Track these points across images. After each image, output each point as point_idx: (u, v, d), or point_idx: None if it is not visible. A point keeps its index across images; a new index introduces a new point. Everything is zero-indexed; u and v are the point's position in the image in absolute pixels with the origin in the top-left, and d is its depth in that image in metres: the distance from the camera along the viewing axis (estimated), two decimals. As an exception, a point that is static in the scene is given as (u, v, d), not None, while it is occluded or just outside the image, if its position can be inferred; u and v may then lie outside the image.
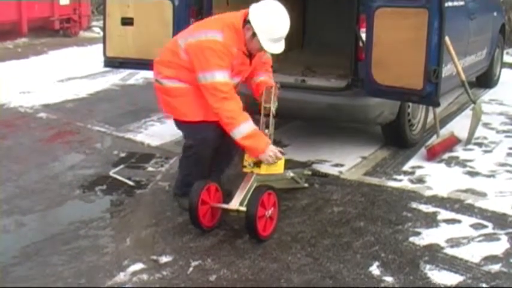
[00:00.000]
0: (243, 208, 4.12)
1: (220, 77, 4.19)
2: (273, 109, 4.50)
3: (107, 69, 7.15)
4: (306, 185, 4.69)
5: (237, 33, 4.30)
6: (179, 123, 4.57)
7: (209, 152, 4.46)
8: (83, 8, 14.72)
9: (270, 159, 4.28)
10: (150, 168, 5.53)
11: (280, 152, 4.33)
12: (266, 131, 4.45)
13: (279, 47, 4.37)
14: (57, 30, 14.29)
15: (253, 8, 4.30)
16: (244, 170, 4.41)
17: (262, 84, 4.63)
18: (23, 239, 4.17)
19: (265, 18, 4.26)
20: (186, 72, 4.34)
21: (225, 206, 4.27)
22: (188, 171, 4.55)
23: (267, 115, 4.50)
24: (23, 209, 4.67)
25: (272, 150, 4.29)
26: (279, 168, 4.51)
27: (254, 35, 4.26)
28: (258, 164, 4.35)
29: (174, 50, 4.44)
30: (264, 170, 4.37)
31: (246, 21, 4.29)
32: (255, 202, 4.07)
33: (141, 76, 9.50)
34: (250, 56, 4.46)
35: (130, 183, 5.18)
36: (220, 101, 4.19)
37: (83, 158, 5.84)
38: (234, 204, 4.18)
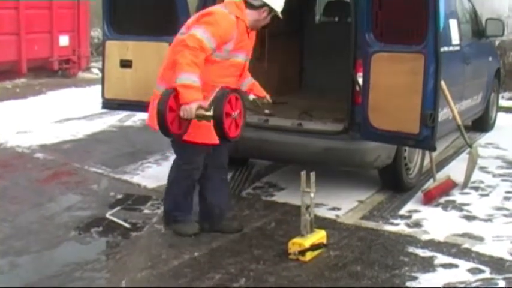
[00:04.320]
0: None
1: (200, 33, 4.44)
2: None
3: (105, 110, 7.19)
4: (267, 111, 4.96)
5: (237, 6, 4.66)
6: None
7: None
8: (82, 49, 14.80)
9: (185, 112, 4.40)
10: (146, 211, 5.52)
11: (204, 116, 4.45)
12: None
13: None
14: (56, 71, 14.34)
15: None
16: (290, 257, 4.52)
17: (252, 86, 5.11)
18: (17, 280, 4.14)
19: None
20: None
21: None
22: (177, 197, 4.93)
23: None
24: (18, 249, 4.64)
25: (192, 108, 4.39)
26: (322, 238, 4.68)
27: (270, 12, 4.72)
28: (302, 252, 4.49)
29: (173, 44, 4.72)
30: (308, 257, 4.51)
31: (252, 5, 4.69)
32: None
33: (139, 118, 9.51)
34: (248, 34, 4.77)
35: (127, 225, 5.16)
36: (184, 47, 4.40)
37: (80, 199, 5.83)
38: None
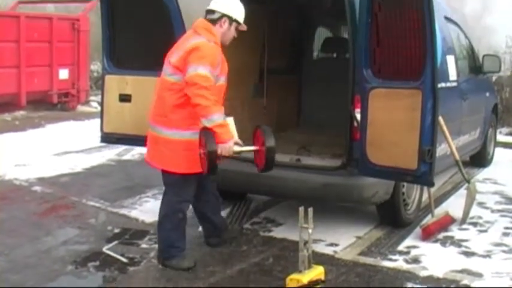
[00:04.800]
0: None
1: (202, 70, 4.55)
2: None
3: (103, 144, 7.20)
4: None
5: (207, 30, 4.81)
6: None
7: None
8: (81, 83, 14.88)
9: (224, 150, 4.59)
10: (143, 245, 5.49)
11: (237, 144, 4.73)
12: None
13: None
14: (55, 104, 14.41)
15: (220, 7, 4.85)
16: None
17: None
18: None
19: (233, 4, 4.91)
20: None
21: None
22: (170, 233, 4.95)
23: None
24: (14, 283, 4.62)
25: (231, 146, 4.64)
26: (320, 274, 4.61)
27: (231, 21, 4.87)
28: None
29: (162, 87, 4.84)
30: None
31: (213, 20, 4.84)
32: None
33: (137, 152, 9.52)
34: None
35: (124, 259, 5.13)
36: (201, 89, 4.50)
37: (77, 233, 5.81)
38: None
